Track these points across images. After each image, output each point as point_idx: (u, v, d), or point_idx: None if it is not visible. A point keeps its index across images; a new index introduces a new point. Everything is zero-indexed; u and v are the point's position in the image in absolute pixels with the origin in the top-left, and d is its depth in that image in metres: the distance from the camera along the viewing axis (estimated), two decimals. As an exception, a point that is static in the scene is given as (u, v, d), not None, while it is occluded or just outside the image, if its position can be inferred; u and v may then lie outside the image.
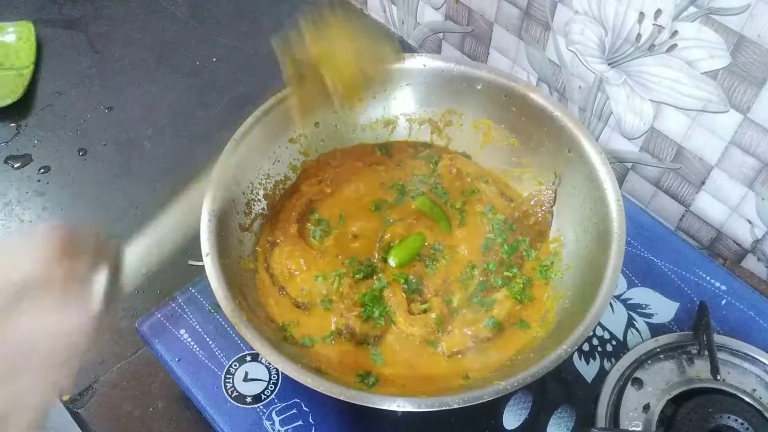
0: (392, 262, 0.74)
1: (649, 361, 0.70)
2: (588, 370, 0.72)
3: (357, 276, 0.72)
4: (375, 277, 0.73)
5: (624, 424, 0.66)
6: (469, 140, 0.85)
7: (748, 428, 0.62)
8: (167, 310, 0.75)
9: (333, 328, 0.70)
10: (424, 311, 0.70)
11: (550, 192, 0.77)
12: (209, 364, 0.71)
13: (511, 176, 0.83)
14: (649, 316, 0.76)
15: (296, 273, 0.73)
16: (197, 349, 0.72)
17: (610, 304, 0.74)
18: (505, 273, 0.73)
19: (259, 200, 0.77)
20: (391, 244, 0.75)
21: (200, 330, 0.74)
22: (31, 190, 0.93)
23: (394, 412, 0.57)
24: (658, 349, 0.71)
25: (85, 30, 1.17)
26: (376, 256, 0.75)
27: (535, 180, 0.80)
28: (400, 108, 0.85)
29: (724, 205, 0.82)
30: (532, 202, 0.78)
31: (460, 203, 0.80)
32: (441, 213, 0.79)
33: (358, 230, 0.77)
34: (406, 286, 0.72)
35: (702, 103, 0.76)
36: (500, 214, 0.78)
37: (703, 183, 0.82)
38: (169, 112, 1.04)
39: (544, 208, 0.77)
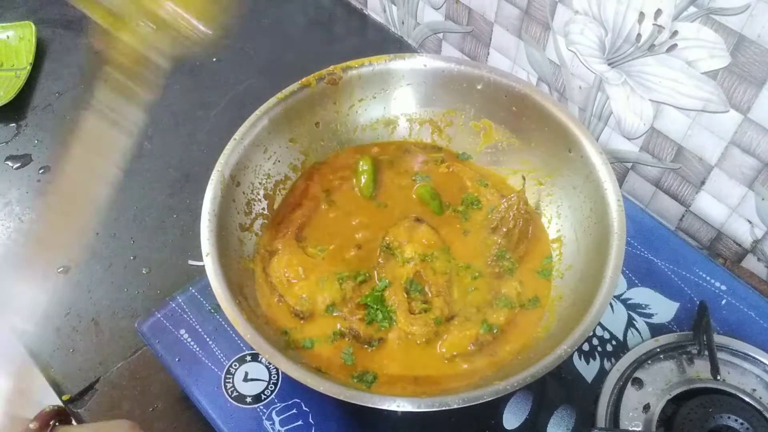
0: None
1: (649, 361, 0.70)
2: (588, 370, 0.72)
3: (359, 279, 0.72)
4: (377, 278, 0.73)
5: (624, 424, 0.66)
6: (470, 140, 0.85)
7: (748, 428, 0.62)
8: (167, 310, 0.75)
9: (338, 329, 0.69)
10: (425, 311, 0.70)
11: (521, 192, 0.77)
12: (209, 364, 0.71)
13: (511, 176, 0.83)
14: (649, 316, 0.76)
15: (294, 281, 0.72)
16: (197, 349, 0.72)
17: (610, 304, 0.74)
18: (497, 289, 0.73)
19: (259, 200, 0.77)
20: (393, 245, 0.75)
21: (200, 330, 0.74)
22: (31, 190, 0.93)
23: (394, 412, 0.57)
24: (658, 349, 0.71)
25: (85, 30, 1.17)
26: (379, 261, 0.74)
27: (535, 180, 0.80)
28: (401, 108, 0.85)
29: (724, 205, 0.82)
30: (505, 206, 0.77)
31: (463, 207, 0.80)
32: (438, 200, 0.79)
33: (360, 239, 0.77)
34: (408, 286, 0.72)
35: (702, 103, 0.76)
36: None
37: (703, 183, 0.82)
38: (169, 112, 1.04)
39: (520, 209, 0.77)
